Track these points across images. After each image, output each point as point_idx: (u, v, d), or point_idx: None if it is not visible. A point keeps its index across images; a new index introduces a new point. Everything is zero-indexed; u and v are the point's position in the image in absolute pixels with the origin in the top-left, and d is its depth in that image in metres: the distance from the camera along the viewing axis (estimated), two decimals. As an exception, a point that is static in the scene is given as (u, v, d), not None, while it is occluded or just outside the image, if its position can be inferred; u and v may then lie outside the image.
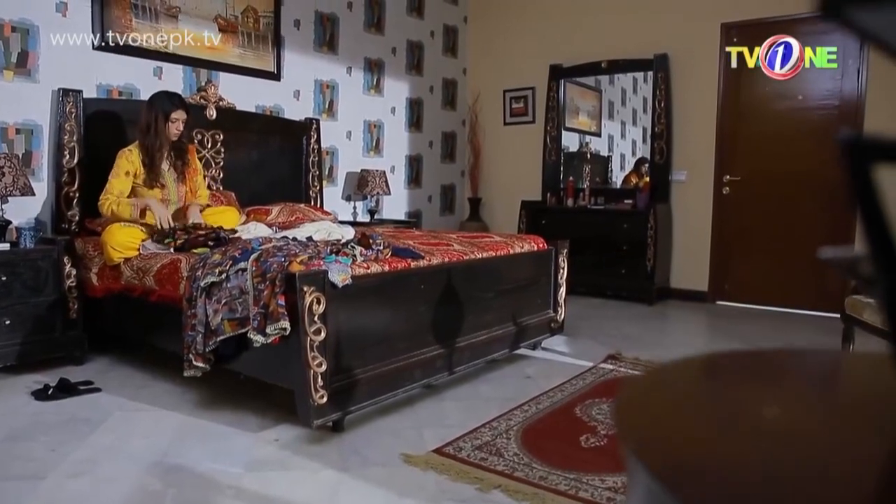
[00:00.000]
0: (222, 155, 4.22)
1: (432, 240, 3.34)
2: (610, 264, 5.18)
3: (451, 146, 6.44)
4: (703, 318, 4.77)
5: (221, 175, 4.21)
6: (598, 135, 6.05)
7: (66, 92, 3.42)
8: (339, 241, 2.87)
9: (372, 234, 2.83)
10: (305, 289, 2.20)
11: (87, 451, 2.19)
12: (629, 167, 5.84)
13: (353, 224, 4.39)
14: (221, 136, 4.20)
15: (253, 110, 4.51)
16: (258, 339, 2.28)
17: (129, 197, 3.24)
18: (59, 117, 3.42)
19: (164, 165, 3.35)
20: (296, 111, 4.80)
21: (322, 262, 2.38)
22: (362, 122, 5.43)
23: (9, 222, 3.09)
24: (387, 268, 2.62)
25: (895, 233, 0.38)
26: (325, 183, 5.03)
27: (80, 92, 3.47)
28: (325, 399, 2.24)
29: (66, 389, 2.74)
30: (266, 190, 4.39)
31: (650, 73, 5.36)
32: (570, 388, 2.91)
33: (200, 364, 2.49)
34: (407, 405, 2.68)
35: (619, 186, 5.78)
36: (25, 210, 3.37)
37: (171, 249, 3.03)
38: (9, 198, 3.07)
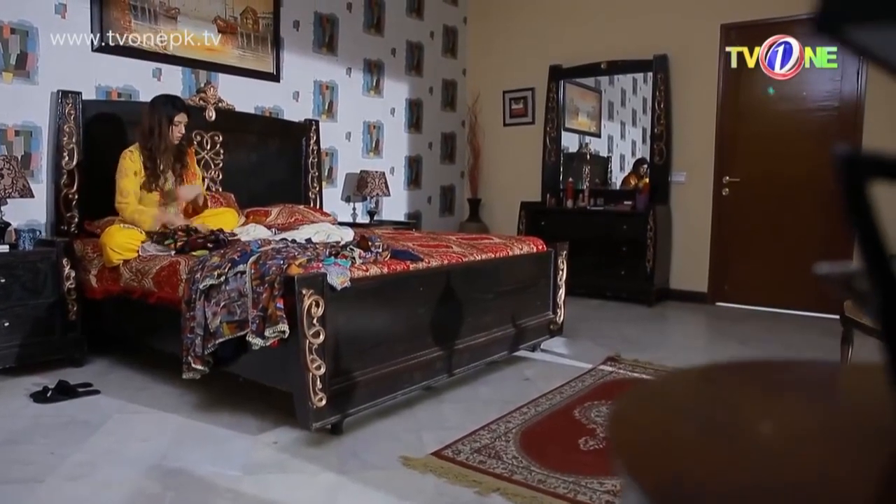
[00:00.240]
0: (221, 156, 4.22)
1: (431, 242, 3.34)
2: (609, 265, 5.18)
3: (451, 147, 6.44)
4: (703, 320, 4.77)
5: (221, 176, 4.20)
6: (598, 135, 6.05)
7: (65, 93, 3.42)
8: (338, 243, 2.86)
9: (371, 237, 2.83)
10: (304, 292, 2.19)
11: (85, 454, 2.19)
12: (629, 168, 5.83)
13: (353, 225, 4.39)
14: (221, 138, 4.20)
15: (252, 111, 4.51)
16: (257, 342, 2.28)
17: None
18: (58, 119, 3.42)
19: (161, 167, 3.35)
20: (295, 112, 4.80)
21: (321, 265, 2.38)
22: (362, 123, 5.43)
23: (8, 224, 3.09)
24: (386, 270, 2.61)
25: (889, 249, 0.37)
26: (324, 184, 5.03)
27: (79, 93, 3.47)
28: (323, 402, 2.24)
29: (65, 392, 2.73)
30: (265, 191, 4.39)
31: (650, 74, 5.36)
32: (570, 391, 2.91)
33: (199, 366, 2.49)
34: (406, 407, 2.68)
35: (618, 187, 5.78)
36: (24, 212, 3.37)
37: (172, 252, 3.03)
38: (8, 200, 3.07)
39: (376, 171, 5.22)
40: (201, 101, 4.09)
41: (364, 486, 2.01)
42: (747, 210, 5.03)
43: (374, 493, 1.96)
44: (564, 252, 3.63)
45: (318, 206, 4.81)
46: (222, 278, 2.45)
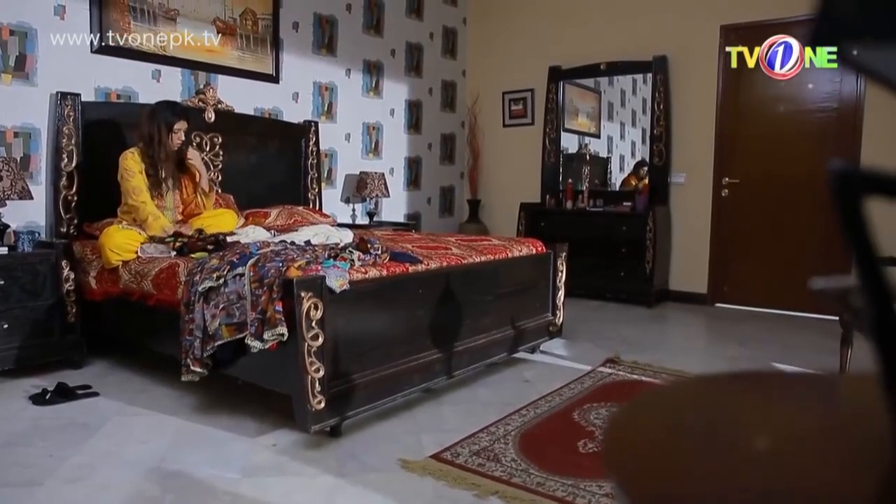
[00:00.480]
0: (221, 157, 4.22)
1: (430, 243, 3.34)
2: (609, 267, 5.18)
3: (451, 148, 6.44)
4: (703, 321, 4.77)
5: (220, 178, 4.20)
6: (598, 136, 6.05)
7: (64, 95, 3.42)
8: (337, 244, 2.86)
9: (370, 239, 2.83)
10: (303, 294, 2.19)
11: (84, 457, 2.19)
12: (628, 169, 5.83)
13: (352, 227, 4.39)
14: (220, 139, 4.20)
15: (251, 113, 4.51)
16: (255, 344, 2.28)
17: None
18: (57, 120, 3.42)
19: (163, 174, 3.35)
20: (294, 113, 4.80)
21: (320, 268, 2.38)
22: (361, 124, 5.43)
23: (7, 226, 3.09)
24: (385, 272, 2.61)
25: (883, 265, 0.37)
26: (323, 185, 5.03)
27: (78, 95, 3.47)
28: (322, 404, 2.24)
29: (64, 394, 2.73)
30: (265, 192, 4.39)
31: (649, 75, 5.36)
32: (569, 393, 2.91)
33: (198, 369, 2.49)
34: (405, 410, 2.67)
35: (618, 188, 5.79)
36: (24, 214, 3.37)
37: (172, 252, 3.03)
38: (7, 201, 3.07)
39: (376, 173, 5.22)
40: (201, 103, 4.09)
41: (363, 488, 2.00)
42: (747, 211, 5.03)
43: (373, 496, 1.96)
44: (564, 253, 3.63)
45: (317, 208, 4.81)
46: (221, 280, 2.45)
